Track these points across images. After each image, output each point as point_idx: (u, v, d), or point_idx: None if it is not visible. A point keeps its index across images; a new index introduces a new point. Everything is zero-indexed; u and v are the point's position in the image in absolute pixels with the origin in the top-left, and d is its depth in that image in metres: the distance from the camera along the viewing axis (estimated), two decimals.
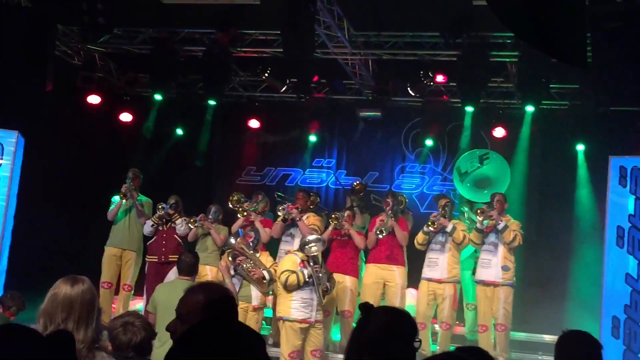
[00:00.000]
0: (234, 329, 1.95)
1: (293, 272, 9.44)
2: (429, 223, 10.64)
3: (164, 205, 11.38)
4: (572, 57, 3.47)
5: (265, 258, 10.12)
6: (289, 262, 9.68)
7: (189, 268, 8.03)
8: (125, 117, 14.07)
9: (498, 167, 12.43)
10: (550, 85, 12.04)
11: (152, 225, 11.38)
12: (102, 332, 3.81)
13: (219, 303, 3.34)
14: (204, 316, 3.23)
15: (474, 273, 11.15)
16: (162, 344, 5.51)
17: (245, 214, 11.06)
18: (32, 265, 11.32)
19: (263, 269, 9.84)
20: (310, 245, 9.57)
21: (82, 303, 3.67)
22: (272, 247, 11.30)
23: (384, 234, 10.63)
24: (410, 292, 11.05)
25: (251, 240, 10.09)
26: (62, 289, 3.69)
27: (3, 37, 10.35)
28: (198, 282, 8.10)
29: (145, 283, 11.17)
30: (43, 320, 3.66)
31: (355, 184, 11.90)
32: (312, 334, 9.61)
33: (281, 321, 9.61)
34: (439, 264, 10.63)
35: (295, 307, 9.49)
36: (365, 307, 3.50)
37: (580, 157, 12.55)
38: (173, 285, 8.02)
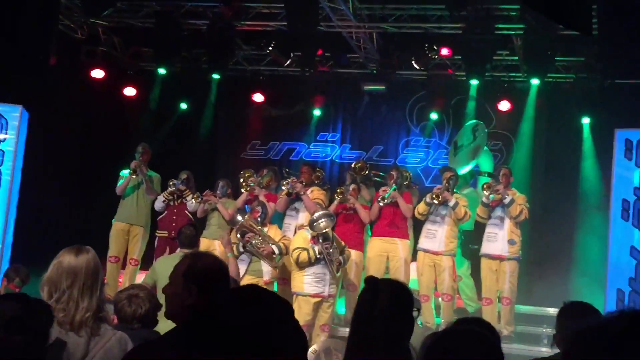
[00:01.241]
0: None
1: (304, 249, 9.52)
2: (433, 195, 10.61)
3: (175, 181, 11.38)
4: (578, 25, 3.45)
5: (273, 231, 10.13)
6: (300, 238, 9.75)
7: (190, 240, 8.04)
8: (129, 91, 14.05)
9: (483, 135, 12.41)
10: (556, 58, 11.99)
11: (164, 201, 11.40)
12: (106, 304, 3.82)
13: (200, 272, 3.36)
14: (184, 283, 3.32)
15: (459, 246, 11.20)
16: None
17: (248, 188, 11.05)
18: (38, 240, 11.35)
19: (272, 244, 9.85)
20: (318, 221, 9.60)
21: (86, 271, 3.68)
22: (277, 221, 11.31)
23: (385, 201, 10.61)
24: (413, 265, 11.05)
25: (258, 215, 10.10)
26: (67, 258, 3.70)
27: (6, 11, 10.31)
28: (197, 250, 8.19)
29: (154, 258, 11.17)
30: (47, 288, 3.67)
31: (355, 163, 11.75)
32: (323, 309, 9.70)
33: (295, 296, 9.68)
34: (437, 236, 10.61)
35: (308, 282, 9.59)
36: (372, 281, 3.51)
37: (586, 130, 12.52)
38: (174, 258, 7.99)
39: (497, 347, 2.91)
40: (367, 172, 11.50)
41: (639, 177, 9.81)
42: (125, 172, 11.50)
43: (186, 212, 11.36)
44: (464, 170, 12.13)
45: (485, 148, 12.44)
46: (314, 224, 9.60)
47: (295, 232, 10.66)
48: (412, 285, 10.85)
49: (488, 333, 2.94)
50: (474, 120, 12.61)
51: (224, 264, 3.63)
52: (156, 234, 11.43)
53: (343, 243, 10.00)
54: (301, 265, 9.56)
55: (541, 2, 3.35)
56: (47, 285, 3.68)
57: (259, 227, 9.93)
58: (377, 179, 12.00)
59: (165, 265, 7.85)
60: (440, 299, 10.70)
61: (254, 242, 9.82)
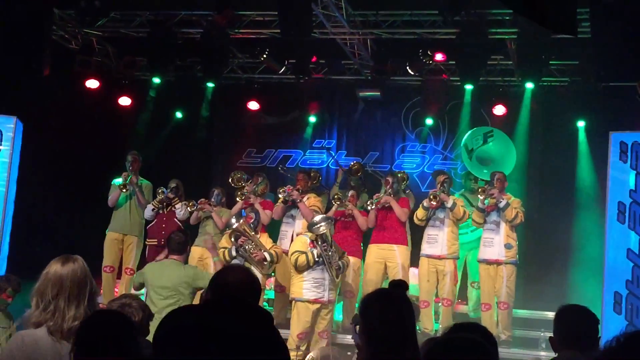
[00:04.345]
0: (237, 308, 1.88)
1: (303, 252, 9.53)
2: (430, 198, 10.63)
3: (164, 189, 11.39)
4: (562, 26, 3.44)
5: (264, 239, 10.14)
6: (299, 243, 9.76)
7: (179, 247, 7.96)
8: (124, 100, 14.02)
9: (502, 147, 12.37)
10: (550, 62, 12.01)
11: (153, 210, 11.41)
12: None
13: (225, 284, 3.48)
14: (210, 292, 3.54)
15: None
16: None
17: (244, 197, 11.05)
18: (33, 251, 11.32)
19: (264, 251, 9.86)
20: (318, 225, 9.61)
21: (72, 281, 3.70)
22: (273, 228, 11.31)
23: (373, 206, 10.62)
24: (412, 271, 11.05)
25: (252, 221, 10.12)
26: (53, 267, 3.74)
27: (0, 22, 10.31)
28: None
29: None
30: (35, 299, 3.72)
31: (352, 164, 11.87)
32: (321, 316, 9.68)
33: (294, 302, 9.68)
34: (438, 241, 10.62)
35: (307, 287, 9.59)
36: (399, 284, 3.53)
37: (581, 133, 12.53)
38: (163, 265, 8.03)
39: (493, 355, 2.91)
40: (362, 174, 11.52)
41: (634, 180, 9.80)
42: (117, 181, 11.50)
43: (175, 220, 11.36)
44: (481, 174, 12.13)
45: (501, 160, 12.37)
46: (314, 227, 9.60)
47: (292, 240, 10.66)
48: (412, 291, 10.85)
49: (484, 340, 2.94)
50: (491, 127, 12.61)
51: (256, 281, 3.67)
52: (146, 242, 11.44)
53: (342, 250, 10.01)
54: (300, 269, 9.55)
55: (524, 6, 3.34)
56: (35, 295, 3.72)
57: (252, 233, 9.95)
58: (377, 176, 12.04)
59: (154, 271, 7.88)
60: (440, 303, 10.71)
61: (247, 247, 9.83)
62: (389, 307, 3.40)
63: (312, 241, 9.63)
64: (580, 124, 12.49)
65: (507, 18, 11.38)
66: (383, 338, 3.33)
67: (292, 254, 9.63)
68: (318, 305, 9.62)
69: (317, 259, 9.54)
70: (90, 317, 3.55)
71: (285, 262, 10.39)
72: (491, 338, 3.57)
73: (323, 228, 9.60)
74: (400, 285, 3.51)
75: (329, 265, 9.57)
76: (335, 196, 10.93)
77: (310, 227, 9.69)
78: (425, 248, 10.73)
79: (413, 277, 11.04)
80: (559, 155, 12.57)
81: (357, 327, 3.46)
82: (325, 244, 9.61)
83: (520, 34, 11.34)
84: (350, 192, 10.98)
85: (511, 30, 11.53)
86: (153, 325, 5.09)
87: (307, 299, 9.57)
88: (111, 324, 3.32)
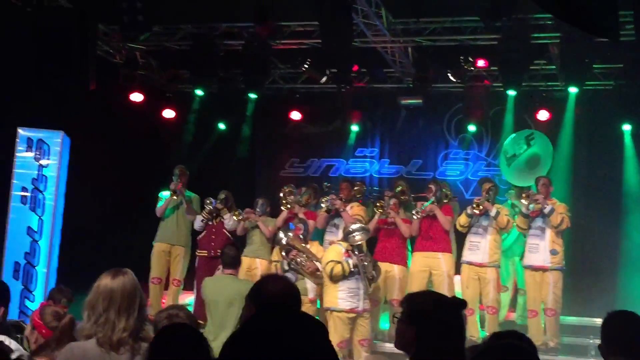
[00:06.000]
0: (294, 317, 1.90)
1: (338, 262, 9.45)
2: (474, 206, 10.57)
3: (212, 200, 11.47)
4: (604, 31, 3.40)
5: (315, 248, 10.14)
6: (334, 252, 9.69)
7: (232, 261, 8.09)
8: (168, 113, 14.17)
9: (543, 145, 12.38)
10: (594, 66, 11.86)
11: (202, 220, 11.51)
12: (146, 324, 3.90)
13: (262, 294, 3.48)
14: (248, 302, 3.59)
15: (522, 259, 11.11)
16: (214, 338, 5.58)
17: (288, 206, 11.08)
18: (83, 264, 11.46)
19: (316, 261, 9.86)
20: (353, 234, 9.55)
21: (122, 294, 3.78)
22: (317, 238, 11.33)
23: (419, 215, 10.59)
24: (457, 278, 10.99)
25: (301, 232, 10.13)
26: (104, 281, 3.82)
27: (45, 38, 10.48)
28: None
29: (195, 278, 11.27)
30: (87, 312, 3.81)
31: (396, 184, 11.64)
32: (360, 324, 9.63)
33: (328, 312, 9.63)
34: (480, 248, 10.55)
35: (342, 297, 9.51)
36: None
37: (627, 138, 12.37)
38: (218, 279, 8.16)
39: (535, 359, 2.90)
40: (408, 196, 11.36)
41: None
42: (164, 194, 11.62)
43: (224, 230, 11.44)
44: (519, 182, 12.09)
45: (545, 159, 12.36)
46: (349, 236, 9.55)
47: None
48: None
49: (526, 345, 2.94)
50: (529, 130, 12.57)
51: (296, 291, 3.67)
52: (196, 253, 11.54)
53: (375, 259, 9.97)
54: (335, 279, 9.47)
55: (565, 9, 3.31)
56: (87, 308, 3.79)
57: (303, 245, 9.95)
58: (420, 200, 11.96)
59: (211, 287, 7.99)
60: (485, 312, 10.63)
61: (298, 260, 9.82)
62: (443, 312, 3.38)
63: (347, 250, 9.57)
64: (626, 127, 12.34)
65: (550, 22, 11.28)
66: (433, 340, 3.32)
67: (326, 264, 9.53)
68: (354, 315, 9.58)
69: (352, 269, 9.49)
70: (162, 330, 3.60)
71: None
72: (531, 344, 3.55)
73: (359, 237, 9.53)
74: (461, 304, 3.50)
75: (363, 275, 9.53)
76: (378, 204, 10.90)
77: (346, 236, 9.65)
78: (467, 255, 10.68)
79: (458, 285, 10.98)
80: (604, 160, 12.43)
81: (395, 317, 3.43)
82: (362, 254, 9.57)
83: (563, 38, 11.23)
84: (393, 200, 10.94)
85: (554, 34, 11.43)
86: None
87: (342, 309, 9.50)
88: (184, 338, 3.33)
